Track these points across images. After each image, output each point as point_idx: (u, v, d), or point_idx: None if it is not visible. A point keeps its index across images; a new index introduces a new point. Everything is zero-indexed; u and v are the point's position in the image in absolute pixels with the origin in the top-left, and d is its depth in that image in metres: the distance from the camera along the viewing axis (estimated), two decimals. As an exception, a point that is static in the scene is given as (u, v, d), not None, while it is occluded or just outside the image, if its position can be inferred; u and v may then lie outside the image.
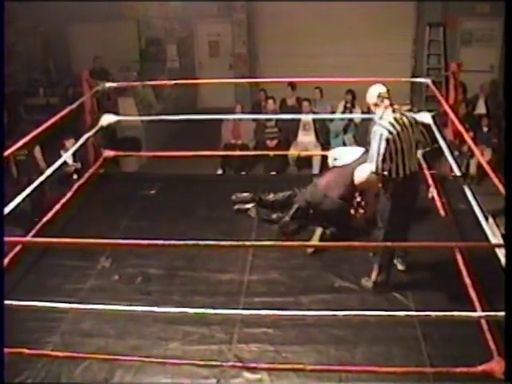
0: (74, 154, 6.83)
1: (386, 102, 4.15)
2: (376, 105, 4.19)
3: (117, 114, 6.94)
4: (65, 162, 6.57)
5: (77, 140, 6.19)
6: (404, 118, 4.15)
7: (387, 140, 4.03)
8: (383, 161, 4.08)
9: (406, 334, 3.89)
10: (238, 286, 4.52)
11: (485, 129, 8.90)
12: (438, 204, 5.37)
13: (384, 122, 4.09)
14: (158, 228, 5.20)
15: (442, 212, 5.24)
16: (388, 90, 4.19)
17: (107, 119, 6.33)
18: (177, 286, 4.56)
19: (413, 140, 4.18)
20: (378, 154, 4.06)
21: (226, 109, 9.04)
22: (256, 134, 9.59)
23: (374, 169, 4.15)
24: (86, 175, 6.18)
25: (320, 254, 4.81)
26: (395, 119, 4.10)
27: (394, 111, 4.15)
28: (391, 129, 4.05)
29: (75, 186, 5.91)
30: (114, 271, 4.76)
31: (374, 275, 4.39)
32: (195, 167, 7.22)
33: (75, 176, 7.14)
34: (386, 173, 4.15)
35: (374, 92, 4.19)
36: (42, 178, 5.07)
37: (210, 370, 3.67)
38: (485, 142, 8.66)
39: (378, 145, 4.06)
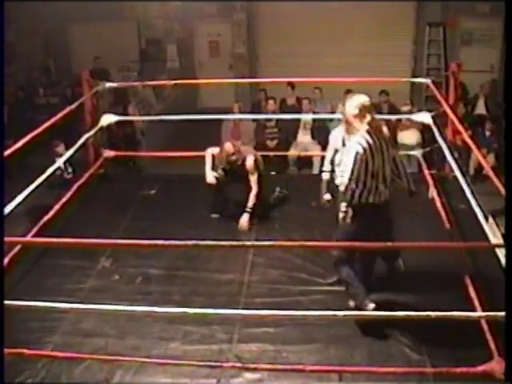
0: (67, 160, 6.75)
1: (368, 116, 3.79)
2: (356, 117, 3.81)
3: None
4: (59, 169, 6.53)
5: (66, 145, 6.05)
6: (380, 139, 3.79)
7: (361, 158, 3.72)
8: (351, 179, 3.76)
9: (406, 334, 3.89)
10: (238, 285, 4.52)
11: (487, 133, 8.85)
12: (438, 204, 5.37)
13: (360, 139, 3.76)
14: (158, 228, 5.21)
15: (442, 212, 5.24)
16: (371, 104, 3.84)
17: (107, 119, 6.33)
18: (177, 286, 4.56)
19: (387, 164, 3.84)
20: (352, 173, 3.76)
21: (225, 109, 9.05)
22: (256, 135, 9.58)
23: (343, 187, 3.82)
24: (86, 175, 6.17)
25: (320, 254, 4.81)
26: (371, 137, 3.76)
27: (372, 127, 3.79)
28: (366, 146, 3.73)
29: (75, 186, 5.90)
30: (114, 271, 4.76)
31: (351, 303, 4.07)
32: (195, 167, 7.19)
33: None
34: (349, 194, 3.81)
35: (356, 102, 3.80)
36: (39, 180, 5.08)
37: (210, 370, 3.67)
38: (486, 145, 8.63)
39: (352, 162, 3.75)
